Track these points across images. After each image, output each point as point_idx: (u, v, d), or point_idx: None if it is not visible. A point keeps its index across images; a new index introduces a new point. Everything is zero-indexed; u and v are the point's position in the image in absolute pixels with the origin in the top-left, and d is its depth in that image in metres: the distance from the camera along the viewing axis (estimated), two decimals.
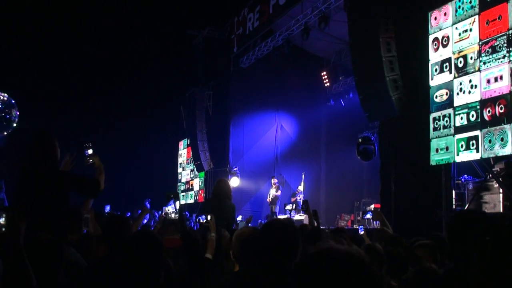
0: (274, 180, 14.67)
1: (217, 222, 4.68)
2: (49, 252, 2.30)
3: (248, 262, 2.62)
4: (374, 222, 10.91)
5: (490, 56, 7.19)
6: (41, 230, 2.56)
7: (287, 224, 2.47)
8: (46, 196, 3.76)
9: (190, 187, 19.14)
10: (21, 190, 3.92)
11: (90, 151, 4.21)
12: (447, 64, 8.01)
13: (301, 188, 14.52)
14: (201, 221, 4.43)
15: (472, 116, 7.43)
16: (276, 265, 2.27)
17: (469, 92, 7.53)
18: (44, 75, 17.11)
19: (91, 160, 4.20)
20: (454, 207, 8.20)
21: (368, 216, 7.46)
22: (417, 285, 3.17)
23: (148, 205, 14.11)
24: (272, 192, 14.45)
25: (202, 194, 17.66)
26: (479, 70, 7.39)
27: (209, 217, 4.35)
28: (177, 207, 3.00)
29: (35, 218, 3.17)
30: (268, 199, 14.52)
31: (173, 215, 2.74)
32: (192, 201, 18.66)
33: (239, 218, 11.40)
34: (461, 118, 7.62)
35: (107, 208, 11.46)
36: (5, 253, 1.90)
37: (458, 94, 7.74)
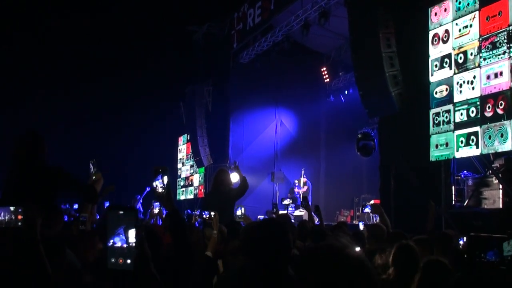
0: (304, 179, 14.29)
1: (220, 218, 4.65)
2: (50, 249, 2.31)
3: (253, 256, 2.62)
4: (374, 217, 10.94)
5: (490, 52, 7.19)
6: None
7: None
8: (35, 189, 3.72)
9: (190, 183, 19.16)
10: (11, 182, 3.87)
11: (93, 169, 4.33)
12: (447, 60, 8.00)
13: (297, 182, 14.42)
14: (204, 217, 4.37)
15: (472, 112, 7.43)
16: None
17: (469, 88, 7.54)
18: (41, 71, 17.09)
19: (94, 177, 4.26)
20: (453, 203, 8.22)
21: (367, 210, 7.48)
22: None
23: (140, 201, 13.95)
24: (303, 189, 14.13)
25: (202, 190, 17.67)
26: (479, 66, 7.39)
27: (212, 214, 4.28)
28: (165, 182, 2.71)
29: None
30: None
31: (160, 190, 2.52)
32: (191, 196, 18.69)
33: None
34: (461, 114, 7.63)
35: (107, 205, 11.41)
36: (22, 247, 1.91)
37: (458, 90, 7.75)
